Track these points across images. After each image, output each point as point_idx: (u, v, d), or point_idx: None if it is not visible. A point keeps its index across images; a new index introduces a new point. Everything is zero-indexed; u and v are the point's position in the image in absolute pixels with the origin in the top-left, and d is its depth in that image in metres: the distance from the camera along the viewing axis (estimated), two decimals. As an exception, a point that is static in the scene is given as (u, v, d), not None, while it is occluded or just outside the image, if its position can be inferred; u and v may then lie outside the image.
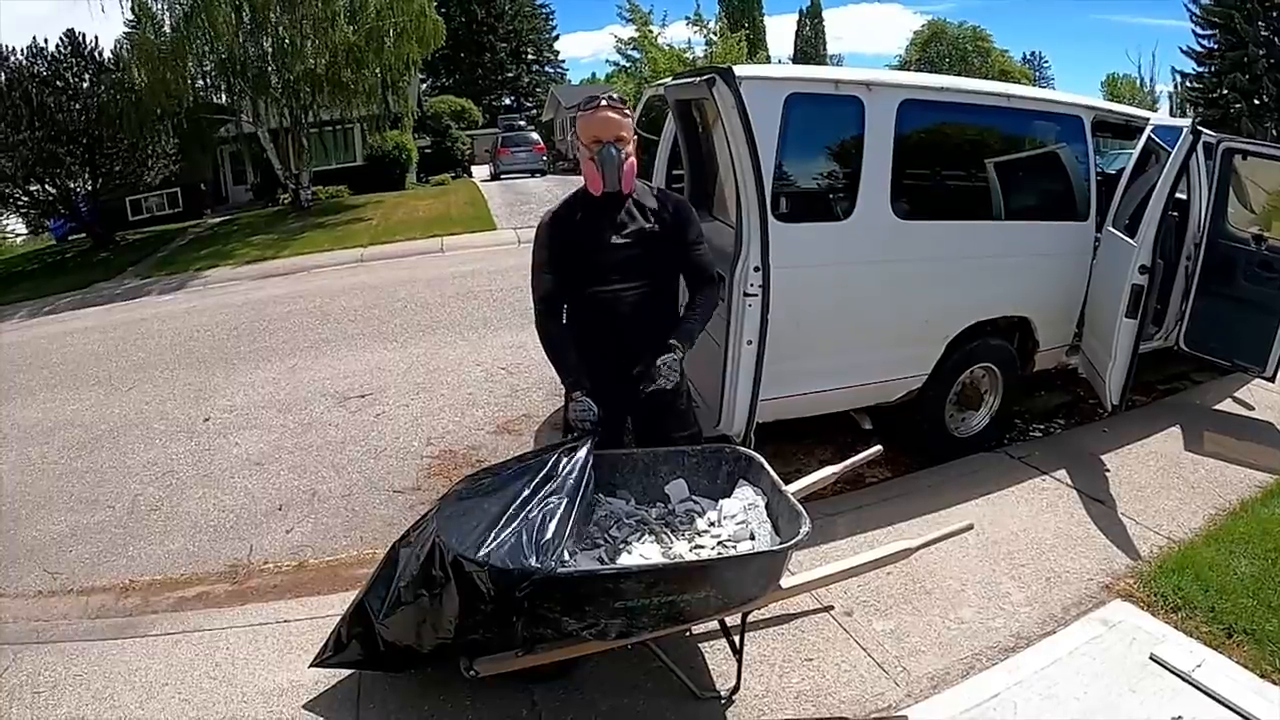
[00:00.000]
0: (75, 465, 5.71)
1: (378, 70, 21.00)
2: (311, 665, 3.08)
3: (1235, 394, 5.74)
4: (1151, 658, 3.05)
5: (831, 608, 3.44)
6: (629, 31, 20.21)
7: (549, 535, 2.52)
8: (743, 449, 3.22)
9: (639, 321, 3.10)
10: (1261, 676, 2.96)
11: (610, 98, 3.04)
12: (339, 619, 3.05)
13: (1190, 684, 2.90)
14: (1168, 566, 3.63)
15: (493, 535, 2.54)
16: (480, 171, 33.26)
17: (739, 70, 3.76)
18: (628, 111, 3.03)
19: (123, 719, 3.04)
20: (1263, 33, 25.45)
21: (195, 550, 4.45)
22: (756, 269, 3.73)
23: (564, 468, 2.81)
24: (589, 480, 2.81)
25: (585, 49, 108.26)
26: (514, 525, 2.57)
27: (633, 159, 3.03)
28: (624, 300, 3.09)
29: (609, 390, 3.10)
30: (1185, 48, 28.57)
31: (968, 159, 4.75)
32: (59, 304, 13.30)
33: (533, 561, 2.43)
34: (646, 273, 3.09)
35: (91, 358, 8.81)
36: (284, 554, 4.36)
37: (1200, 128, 4.49)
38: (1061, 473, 4.62)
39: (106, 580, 4.20)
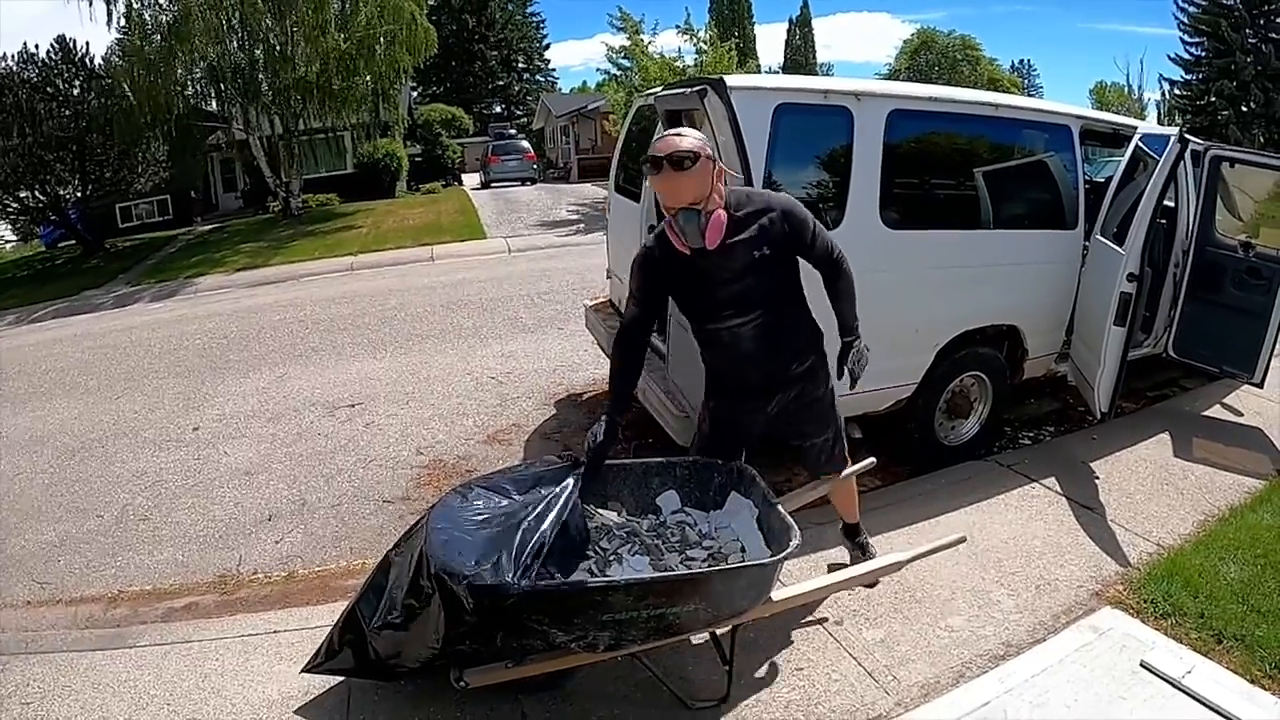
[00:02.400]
0: (64, 474, 5.69)
1: (368, 78, 21.08)
2: (303, 671, 3.07)
3: (1224, 400, 5.76)
4: (1142, 664, 3.05)
5: (825, 620, 3.44)
6: (620, 40, 20.10)
7: (532, 551, 2.51)
8: (736, 462, 3.22)
9: (766, 350, 3.11)
10: (1251, 682, 2.97)
11: (674, 155, 2.77)
12: (332, 625, 3.05)
13: (1180, 690, 2.91)
14: (1157, 573, 3.63)
15: (479, 548, 2.54)
16: (470, 180, 33.30)
17: (729, 81, 3.77)
18: (694, 162, 2.77)
19: (110, 731, 3.02)
20: (1250, 40, 25.58)
21: (184, 560, 4.43)
22: (746, 278, 3.74)
23: (555, 484, 2.82)
24: (574, 498, 2.81)
25: (576, 57, 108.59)
26: (501, 538, 2.57)
27: (718, 212, 2.82)
28: (744, 336, 3.08)
29: (738, 413, 3.25)
30: (1173, 55, 28.66)
31: (956, 168, 4.77)
32: (48, 311, 13.26)
33: (510, 578, 2.42)
34: (762, 301, 3.02)
35: (81, 366, 8.78)
36: (273, 564, 4.34)
37: (1188, 136, 4.51)
38: (1051, 480, 4.63)
39: (95, 590, 4.18)
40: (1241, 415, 5.54)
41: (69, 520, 4.97)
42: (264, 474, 5.44)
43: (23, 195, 20.36)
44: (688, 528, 3.01)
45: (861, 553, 3.65)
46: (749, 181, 3.72)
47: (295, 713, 3.03)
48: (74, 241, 22.21)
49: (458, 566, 2.45)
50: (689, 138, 2.82)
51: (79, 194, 20.71)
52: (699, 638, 3.08)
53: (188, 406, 6.93)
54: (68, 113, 19.62)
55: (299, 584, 4.12)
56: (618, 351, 3.13)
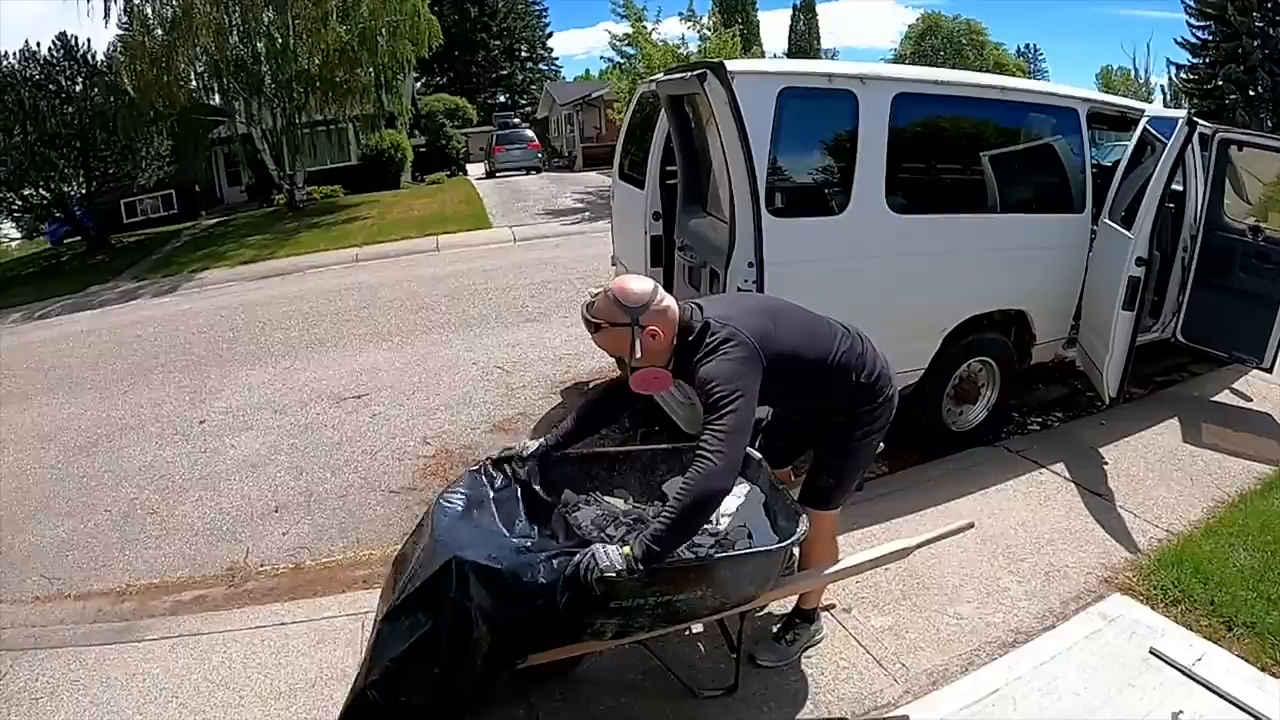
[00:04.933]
0: (72, 470, 5.69)
1: (371, 69, 21.04)
2: None
3: (1233, 385, 5.73)
4: (1151, 652, 3.04)
5: (833, 606, 3.43)
6: (623, 28, 20.01)
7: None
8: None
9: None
10: (1262, 669, 2.95)
11: (585, 316, 2.66)
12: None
13: (1190, 678, 2.89)
14: (1167, 560, 3.62)
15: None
16: (475, 169, 33.28)
17: (731, 65, 3.76)
18: (596, 329, 2.65)
19: (119, 724, 3.03)
20: (1257, 24, 25.46)
21: (192, 553, 4.44)
22: (750, 264, 3.74)
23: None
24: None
25: (579, 46, 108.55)
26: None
27: (648, 371, 2.66)
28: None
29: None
30: (1180, 39, 28.58)
31: (963, 152, 4.74)
32: (54, 308, 13.26)
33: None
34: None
35: (87, 361, 8.79)
36: (281, 556, 4.35)
37: (1196, 119, 4.47)
38: (1059, 466, 4.62)
39: (104, 585, 4.19)
40: (1251, 401, 5.52)
41: (77, 515, 4.98)
42: (271, 466, 5.44)
43: (27, 193, 20.33)
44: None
45: (788, 642, 3.19)
46: (751, 168, 3.69)
47: (304, 703, 3.04)
48: (79, 238, 22.20)
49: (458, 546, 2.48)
50: (609, 298, 2.61)
51: (83, 190, 20.66)
52: (707, 625, 3.08)
53: (194, 400, 6.94)
54: (70, 109, 19.56)
55: (306, 575, 4.13)
56: (605, 394, 3.15)
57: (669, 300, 2.67)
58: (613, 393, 3.13)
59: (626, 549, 2.35)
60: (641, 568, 2.33)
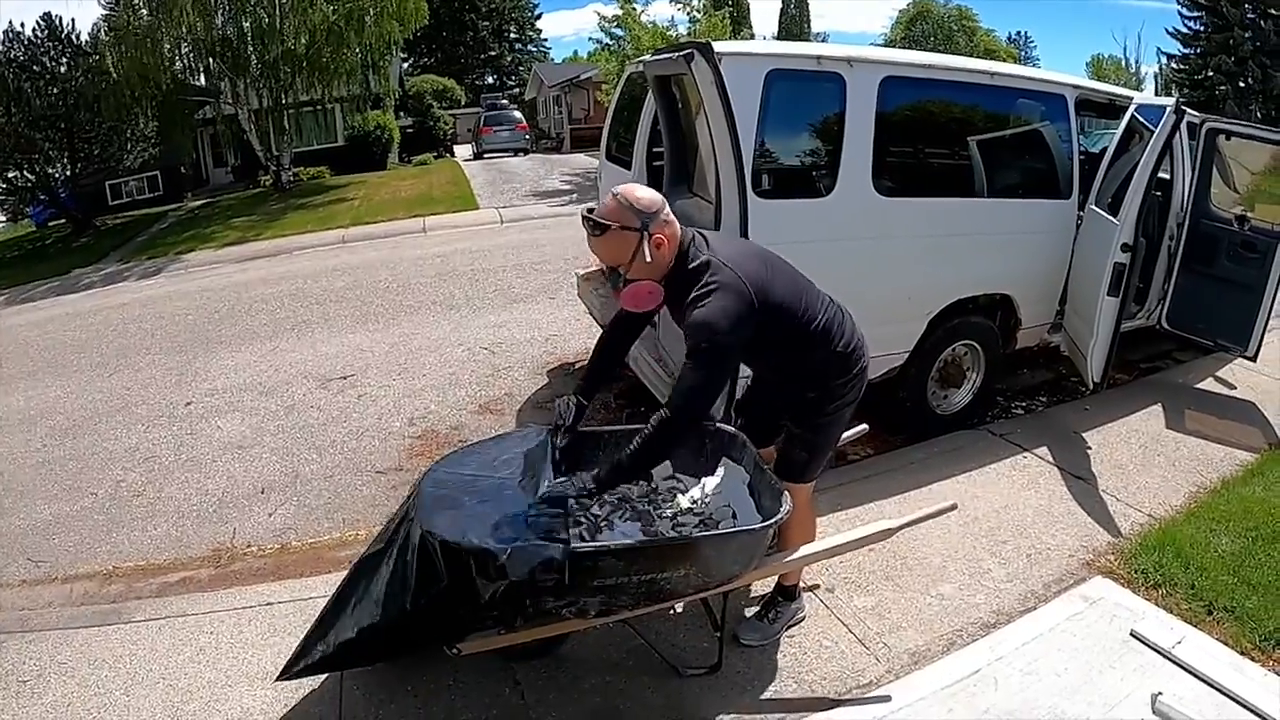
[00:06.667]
0: (57, 453, 5.66)
1: (358, 50, 20.82)
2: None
3: (1217, 373, 5.77)
4: (1132, 634, 3.07)
5: (816, 586, 3.45)
6: (612, 9, 19.96)
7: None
8: (726, 427, 3.21)
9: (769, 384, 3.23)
10: (1241, 653, 2.99)
11: (589, 218, 2.61)
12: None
13: (1170, 660, 2.93)
14: (1149, 544, 3.65)
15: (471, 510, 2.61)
16: (463, 151, 33.10)
17: (719, 46, 3.74)
18: (603, 230, 2.59)
19: (107, 705, 3.02)
20: (1248, 16, 25.45)
21: (178, 535, 4.43)
22: (737, 246, 3.72)
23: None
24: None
25: (568, 27, 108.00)
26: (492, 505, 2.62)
27: (644, 284, 2.65)
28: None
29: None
30: (1171, 29, 28.51)
31: (950, 136, 4.73)
32: (39, 291, 13.12)
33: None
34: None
35: (72, 344, 8.73)
36: (267, 537, 4.34)
37: (1184, 107, 4.48)
38: (1043, 450, 4.65)
39: (90, 567, 4.18)
40: (1234, 389, 5.56)
41: (63, 498, 4.96)
42: (257, 447, 5.43)
43: (11, 175, 20.15)
44: (679, 493, 3.00)
45: (770, 621, 3.23)
46: (737, 150, 3.68)
47: (289, 683, 3.03)
48: (64, 220, 21.98)
49: (448, 529, 2.48)
50: (619, 201, 2.59)
51: (68, 172, 20.45)
52: (691, 603, 3.09)
53: (180, 382, 6.91)
54: (55, 91, 19.32)
55: (292, 556, 4.13)
56: (610, 328, 3.14)
57: (674, 216, 2.68)
58: (619, 323, 3.10)
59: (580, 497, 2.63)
60: (594, 486, 2.64)
